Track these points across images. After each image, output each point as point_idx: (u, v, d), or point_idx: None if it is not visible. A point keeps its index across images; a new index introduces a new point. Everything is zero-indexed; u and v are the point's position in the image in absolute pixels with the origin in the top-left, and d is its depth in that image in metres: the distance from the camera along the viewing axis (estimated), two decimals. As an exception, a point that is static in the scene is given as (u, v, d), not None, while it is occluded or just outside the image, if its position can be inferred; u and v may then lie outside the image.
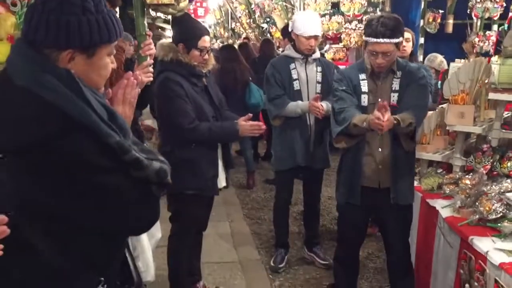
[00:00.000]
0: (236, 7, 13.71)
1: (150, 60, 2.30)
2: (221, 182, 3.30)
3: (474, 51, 7.44)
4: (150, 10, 2.80)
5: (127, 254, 1.57)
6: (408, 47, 4.01)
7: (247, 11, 12.82)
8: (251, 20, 12.72)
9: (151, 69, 2.27)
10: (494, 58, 3.20)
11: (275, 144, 3.90)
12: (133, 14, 2.47)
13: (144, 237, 2.04)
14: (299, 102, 3.67)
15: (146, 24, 2.44)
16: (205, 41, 3.03)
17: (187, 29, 3.02)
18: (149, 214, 1.45)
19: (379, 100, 2.76)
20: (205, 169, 3.05)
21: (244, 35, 13.15)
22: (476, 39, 7.69)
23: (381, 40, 2.70)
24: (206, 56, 3.04)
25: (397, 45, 2.76)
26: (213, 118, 3.10)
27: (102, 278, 1.41)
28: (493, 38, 6.86)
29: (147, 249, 2.11)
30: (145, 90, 2.25)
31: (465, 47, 7.63)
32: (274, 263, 3.98)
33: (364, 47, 2.90)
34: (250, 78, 6.11)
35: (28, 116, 1.26)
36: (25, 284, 1.34)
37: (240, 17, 13.51)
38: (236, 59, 6.16)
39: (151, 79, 2.28)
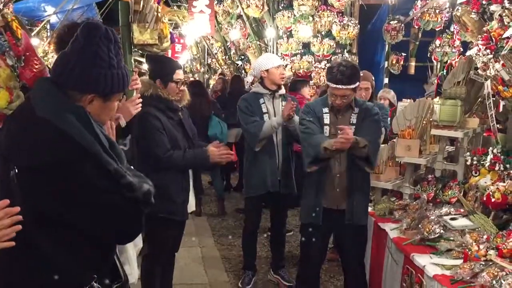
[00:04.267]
0: (212, 44, 14.18)
1: (138, 95, 2.62)
2: (191, 207, 3.59)
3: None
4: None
5: (115, 258, 1.86)
6: (368, 94, 4.37)
7: (222, 48, 13.30)
8: (227, 57, 13.18)
9: (139, 102, 2.59)
10: (436, 99, 3.64)
11: (247, 172, 4.22)
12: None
13: (129, 245, 2.34)
14: (271, 119, 4.04)
15: (133, 62, 2.77)
16: (179, 74, 3.39)
17: (162, 66, 3.38)
18: (136, 227, 1.77)
19: (339, 132, 3.14)
20: (175, 195, 3.34)
21: (219, 71, 13.60)
22: (435, 81, 8.27)
23: (339, 86, 3.11)
24: (182, 87, 3.38)
25: (354, 89, 3.17)
26: (186, 148, 3.42)
27: (95, 276, 1.70)
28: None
29: (132, 255, 2.41)
30: (130, 121, 2.57)
31: (426, 88, 8.19)
32: (242, 284, 4.26)
33: (327, 87, 3.30)
34: (213, 112, 6.56)
35: (45, 142, 1.56)
36: (26, 275, 1.61)
37: (216, 53, 13.96)
38: (201, 94, 6.59)
39: (139, 110, 2.60)
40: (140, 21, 2.72)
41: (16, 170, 1.57)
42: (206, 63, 16.22)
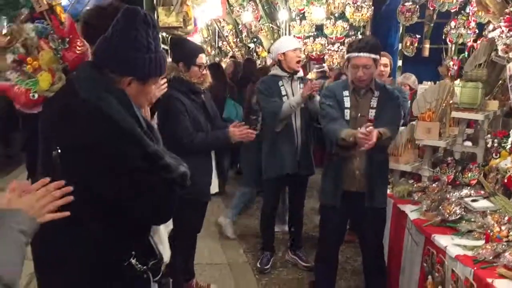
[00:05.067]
0: (223, 27, 14.12)
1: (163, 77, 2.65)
2: (214, 188, 3.65)
3: (449, 74, 7.94)
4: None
5: (150, 237, 1.92)
6: (386, 71, 4.43)
7: (234, 30, 13.24)
8: (238, 40, 13.14)
9: (164, 84, 2.62)
10: (457, 82, 3.64)
11: (266, 155, 4.27)
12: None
13: (161, 226, 2.40)
14: (290, 99, 4.06)
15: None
16: (202, 58, 3.43)
17: (185, 49, 3.41)
18: (171, 207, 1.82)
19: (359, 115, 3.16)
20: (199, 177, 3.39)
21: (230, 54, 13.58)
22: (451, 63, 8.19)
23: (361, 54, 3.12)
24: (204, 72, 3.42)
25: (375, 61, 3.17)
26: (209, 130, 3.46)
27: (133, 252, 1.76)
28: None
29: (164, 235, 2.47)
30: (155, 103, 2.60)
31: (440, 70, 8.12)
32: (261, 264, 4.33)
33: (347, 66, 3.31)
34: (229, 95, 6.57)
35: (88, 123, 1.61)
36: (69, 248, 1.68)
37: (227, 36, 13.92)
38: (217, 76, 6.60)
39: (163, 92, 2.64)
40: (164, 4, 2.74)
41: (59, 150, 1.62)
42: (217, 45, 16.17)
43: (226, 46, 14.54)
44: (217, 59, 16.47)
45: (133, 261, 1.77)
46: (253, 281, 4.17)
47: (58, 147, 1.63)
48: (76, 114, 1.63)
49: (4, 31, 1.97)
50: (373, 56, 3.14)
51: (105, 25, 2.11)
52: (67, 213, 1.49)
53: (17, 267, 1.29)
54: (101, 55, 1.70)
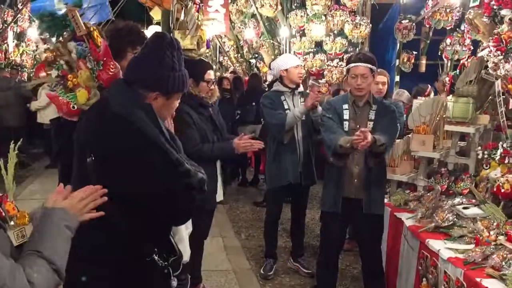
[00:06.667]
0: (224, 42, 14.45)
1: None
2: (219, 196, 3.86)
3: (445, 89, 8.17)
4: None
5: (171, 237, 2.13)
6: (384, 89, 4.64)
7: (235, 46, 13.55)
8: (239, 55, 13.45)
9: None
10: (449, 97, 3.87)
11: (269, 166, 4.48)
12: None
13: (182, 227, 2.61)
14: (293, 109, 4.27)
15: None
16: (210, 74, 3.67)
17: (195, 66, 3.64)
18: (190, 210, 2.03)
19: (358, 126, 3.38)
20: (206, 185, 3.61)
21: (231, 69, 13.86)
22: (447, 79, 8.42)
23: (359, 64, 3.38)
24: (213, 87, 3.65)
25: (372, 71, 3.41)
26: (215, 141, 3.69)
27: (156, 249, 1.97)
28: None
29: (185, 236, 2.67)
30: None
31: (436, 85, 8.38)
32: (264, 271, 4.53)
33: (346, 79, 3.55)
34: None
35: (119, 134, 1.83)
36: (102, 242, 1.88)
37: (228, 51, 14.23)
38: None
39: None
40: (180, 28, 2.98)
41: (93, 158, 1.84)
42: (217, 60, 16.45)
43: (227, 61, 14.83)
44: (218, 73, 16.76)
45: (156, 257, 1.98)
46: (257, 286, 4.36)
47: (92, 155, 1.84)
48: (109, 125, 1.85)
49: (51, 48, 2.21)
50: (370, 66, 3.39)
51: (119, 43, 2.35)
52: (102, 213, 1.69)
53: (66, 256, 1.50)
54: (131, 73, 1.93)
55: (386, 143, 3.32)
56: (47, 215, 1.55)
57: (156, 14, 5.28)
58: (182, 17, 2.97)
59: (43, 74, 2.25)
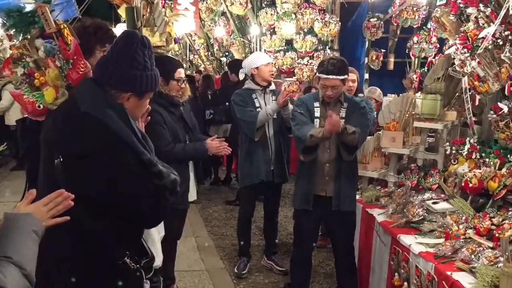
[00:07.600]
0: (194, 40, 14.31)
1: None
2: (192, 196, 3.83)
3: (413, 86, 8.32)
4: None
5: (142, 239, 2.08)
6: (354, 86, 4.70)
7: (205, 44, 13.45)
8: (209, 53, 13.35)
9: None
10: (418, 94, 3.94)
11: (241, 164, 4.47)
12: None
13: (154, 231, 2.56)
14: (266, 107, 4.28)
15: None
16: (180, 72, 3.63)
17: (164, 64, 3.58)
18: (162, 211, 1.99)
19: (328, 117, 3.39)
20: None
21: (202, 67, 13.76)
22: (414, 76, 8.56)
23: (330, 76, 3.37)
24: (183, 85, 3.61)
25: (343, 81, 3.43)
26: (187, 141, 3.64)
27: (127, 252, 1.92)
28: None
29: (157, 241, 2.62)
30: None
31: (404, 83, 8.51)
32: (238, 269, 4.51)
33: (317, 82, 3.57)
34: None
35: (89, 133, 1.78)
36: (70, 247, 1.83)
37: (198, 50, 14.10)
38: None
39: None
40: (148, 25, 2.92)
41: (61, 159, 1.79)
42: (188, 59, 16.32)
43: (197, 60, 14.71)
44: (188, 72, 16.63)
45: (127, 260, 1.94)
46: (231, 286, 4.34)
47: (60, 156, 1.79)
48: (78, 125, 1.80)
49: (17, 44, 2.14)
50: (340, 77, 3.40)
51: (87, 41, 2.30)
52: (67, 218, 1.64)
53: (35, 261, 1.45)
54: (102, 73, 1.88)
55: (357, 132, 3.35)
56: (12, 220, 1.49)
57: (124, 12, 5.19)
58: (147, 14, 2.91)
59: (7, 72, 2.18)
